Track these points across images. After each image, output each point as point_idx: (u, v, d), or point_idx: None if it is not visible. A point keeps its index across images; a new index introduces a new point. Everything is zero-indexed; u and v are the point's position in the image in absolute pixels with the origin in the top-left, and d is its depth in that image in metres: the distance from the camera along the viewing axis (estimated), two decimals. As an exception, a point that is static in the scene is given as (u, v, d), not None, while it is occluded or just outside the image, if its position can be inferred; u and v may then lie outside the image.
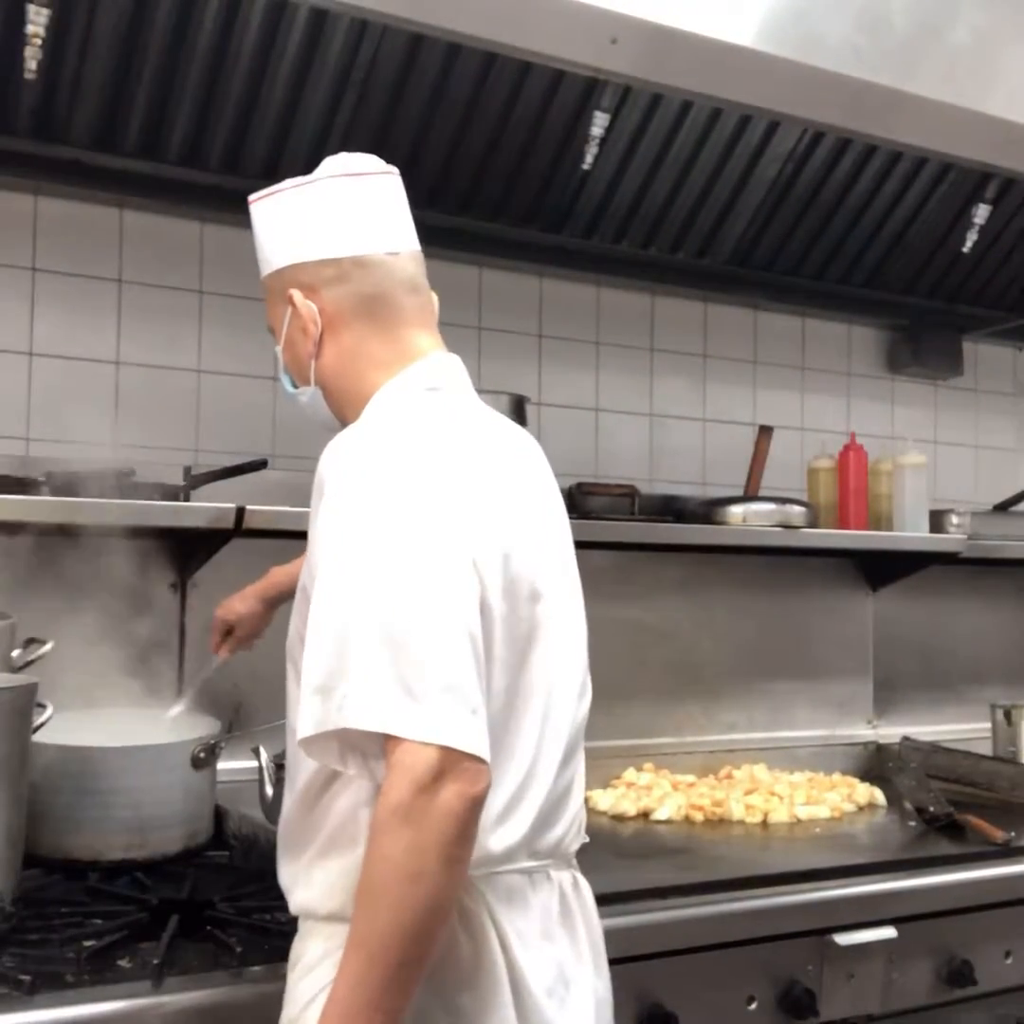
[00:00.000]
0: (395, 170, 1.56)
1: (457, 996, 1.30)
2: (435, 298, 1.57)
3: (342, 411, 1.52)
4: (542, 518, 1.48)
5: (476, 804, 1.20)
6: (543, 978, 1.35)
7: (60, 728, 1.84)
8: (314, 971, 1.34)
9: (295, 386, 1.57)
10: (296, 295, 1.49)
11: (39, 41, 1.89)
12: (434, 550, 1.27)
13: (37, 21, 1.89)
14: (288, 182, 1.54)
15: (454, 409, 1.46)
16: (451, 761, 1.18)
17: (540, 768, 1.38)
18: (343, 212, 1.50)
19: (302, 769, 1.37)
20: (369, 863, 1.20)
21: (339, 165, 1.54)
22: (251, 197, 1.57)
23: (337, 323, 1.49)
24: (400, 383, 1.46)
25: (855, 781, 2.77)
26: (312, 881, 1.37)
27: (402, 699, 1.20)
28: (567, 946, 1.41)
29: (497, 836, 1.33)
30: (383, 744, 1.22)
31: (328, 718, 1.22)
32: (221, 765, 2.07)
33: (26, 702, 1.73)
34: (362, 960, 1.19)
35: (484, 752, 1.21)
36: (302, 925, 1.40)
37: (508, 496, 1.41)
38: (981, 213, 2.80)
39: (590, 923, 1.47)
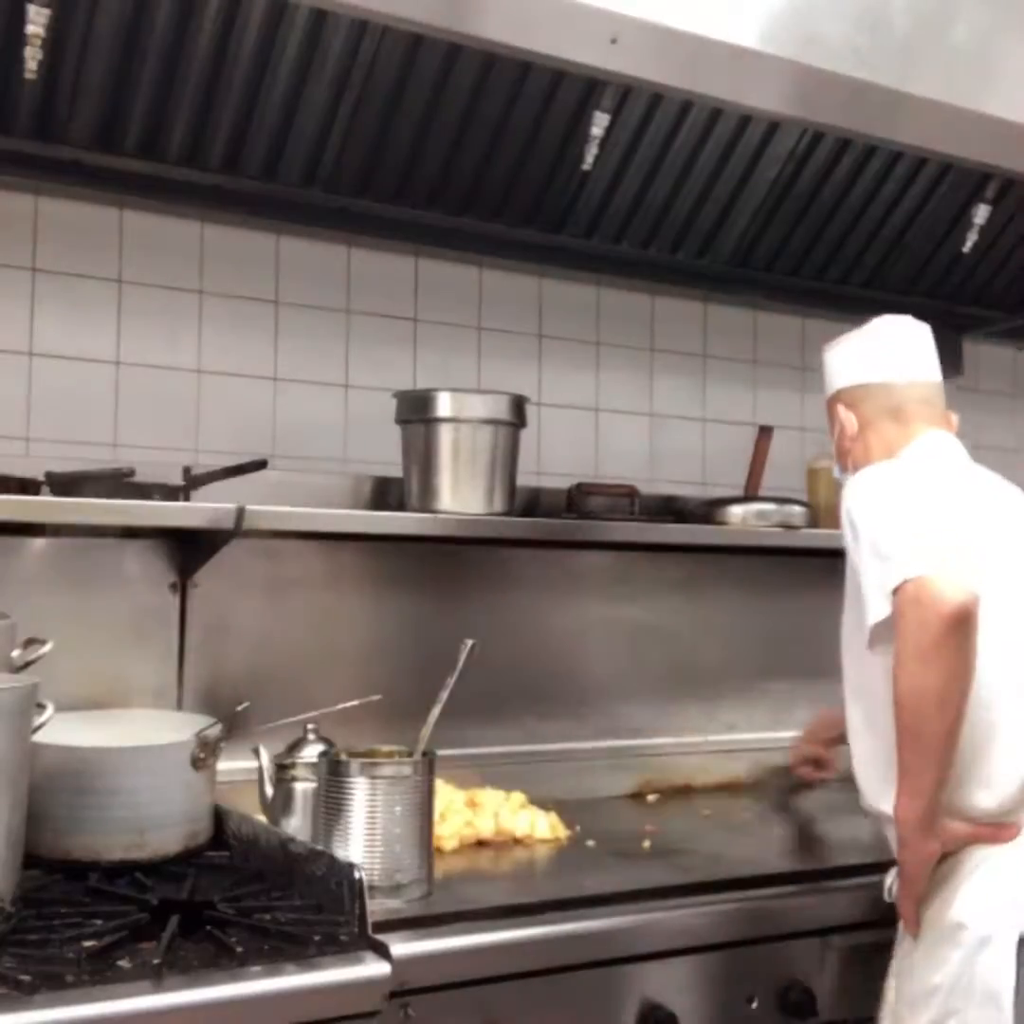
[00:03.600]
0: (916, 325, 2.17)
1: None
2: (953, 417, 2.13)
3: None
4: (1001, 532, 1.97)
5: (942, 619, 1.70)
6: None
7: (60, 728, 1.84)
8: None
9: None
10: (839, 408, 2.13)
11: (39, 41, 1.89)
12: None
13: (37, 21, 1.88)
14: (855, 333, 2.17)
15: (929, 458, 2.01)
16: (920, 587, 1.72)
17: None
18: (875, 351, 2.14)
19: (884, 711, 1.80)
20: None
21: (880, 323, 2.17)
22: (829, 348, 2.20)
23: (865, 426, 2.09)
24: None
25: (855, 781, 2.77)
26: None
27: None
28: None
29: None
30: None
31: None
32: (221, 765, 2.08)
33: (26, 702, 1.73)
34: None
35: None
36: None
37: (966, 507, 1.93)
38: (981, 213, 2.79)
39: None
